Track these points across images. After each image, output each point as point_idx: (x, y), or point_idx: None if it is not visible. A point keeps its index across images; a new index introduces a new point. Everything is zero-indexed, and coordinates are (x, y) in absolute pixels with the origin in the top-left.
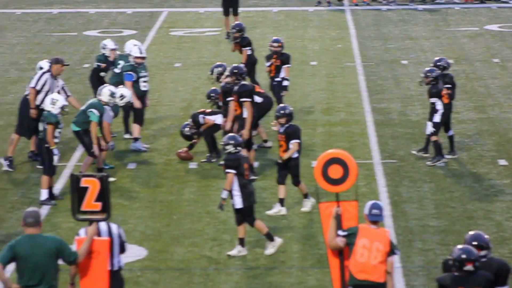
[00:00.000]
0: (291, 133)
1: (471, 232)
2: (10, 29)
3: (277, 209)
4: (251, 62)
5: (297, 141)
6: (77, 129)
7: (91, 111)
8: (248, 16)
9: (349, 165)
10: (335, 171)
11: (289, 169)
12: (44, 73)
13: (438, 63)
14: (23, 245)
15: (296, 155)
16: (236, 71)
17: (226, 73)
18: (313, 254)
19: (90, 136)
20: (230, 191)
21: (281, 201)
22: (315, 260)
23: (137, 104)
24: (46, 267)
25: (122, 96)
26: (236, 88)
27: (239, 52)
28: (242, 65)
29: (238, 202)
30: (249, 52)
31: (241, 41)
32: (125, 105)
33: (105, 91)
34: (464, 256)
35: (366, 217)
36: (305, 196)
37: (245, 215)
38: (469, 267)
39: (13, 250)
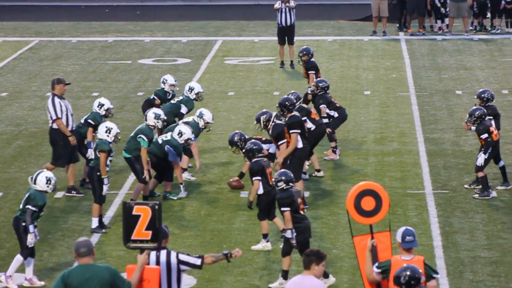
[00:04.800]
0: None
1: None
2: (66, 57)
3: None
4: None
5: (257, 178)
6: (128, 156)
7: (140, 136)
8: (303, 45)
9: (382, 196)
10: (368, 203)
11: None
12: (52, 99)
13: (482, 95)
14: (76, 276)
15: (261, 191)
16: (282, 103)
17: (273, 118)
18: (361, 285)
19: (141, 163)
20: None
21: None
22: None
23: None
24: None
25: (180, 133)
26: (286, 120)
27: (307, 77)
28: (290, 97)
29: (293, 237)
30: (314, 76)
31: (306, 65)
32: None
33: (150, 114)
34: None
35: (400, 245)
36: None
37: (301, 250)
38: None
39: (67, 280)
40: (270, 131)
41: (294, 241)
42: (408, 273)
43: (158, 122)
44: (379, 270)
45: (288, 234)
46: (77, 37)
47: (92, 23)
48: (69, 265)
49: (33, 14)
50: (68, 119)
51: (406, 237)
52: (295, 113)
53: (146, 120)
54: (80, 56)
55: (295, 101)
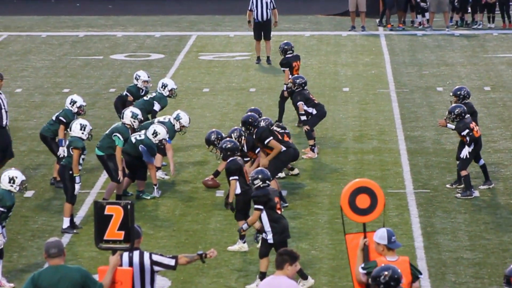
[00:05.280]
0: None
1: None
2: (35, 52)
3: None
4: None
5: (235, 178)
6: (101, 153)
7: (116, 135)
8: (280, 41)
9: (378, 195)
10: (363, 201)
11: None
12: None
13: (458, 93)
14: (46, 277)
15: (238, 191)
16: (246, 120)
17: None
18: (341, 286)
19: (115, 162)
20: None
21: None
22: None
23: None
24: None
25: (155, 133)
26: (254, 136)
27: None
28: (252, 113)
29: (270, 238)
30: (289, 73)
31: (281, 60)
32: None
33: (127, 113)
34: None
35: (385, 247)
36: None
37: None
38: None
39: (36, 282)
40: (245, 147)
41: (243, 233)
42: (387, 273)
43: (134, 122)
44: (365, 271)
45: (244, 226)
46: (47, 31)
47: (62, 17)
48: (39, 267)
49: (1, 8)
50: (1, 115)
51: (392, 238)
52: (235, 158)
53: (122, 118)
54: (50, 51)
55: (257, 116)
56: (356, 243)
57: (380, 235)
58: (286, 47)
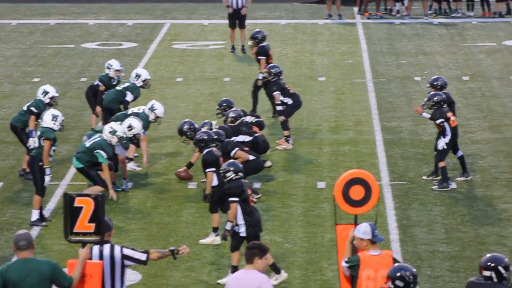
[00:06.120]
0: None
1: (488, 255)
2: (5, 41)
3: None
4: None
5: (212, 169)
6: (81, 166)
7: (98, 152)
8: (255, 29)
9: (372, 187)
10: (357, 192)
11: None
12: None
13: (434, 83)
14: (15, 270)
15: (215, 183)
16: (199, 139)
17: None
18: (315, 280)
19: (94, 169)
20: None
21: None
22: (318, 287)
23: None
24: None
25: (130, 127)
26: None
27: (257, 60)
28: (208, 131)
29: (243, 231)
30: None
31: (257, 50)
32: (133, 137)
33: (106, 128)
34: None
35: (369, 241)
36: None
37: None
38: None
39: (5, 276)
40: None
41: (228, 234)
42: (409, 273)
43: (113, 138)
44: (347, 265)
45: (228, 226)
46: (17, 19)
47: (33, 4)
48: (7, 260)
49: None
50: None
51: (375, 232)
52: (211, 149)
53: (104, 133)
54: (20, 40)
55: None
56: (346, 235)
57: (363, 230)
58: (262, 35)
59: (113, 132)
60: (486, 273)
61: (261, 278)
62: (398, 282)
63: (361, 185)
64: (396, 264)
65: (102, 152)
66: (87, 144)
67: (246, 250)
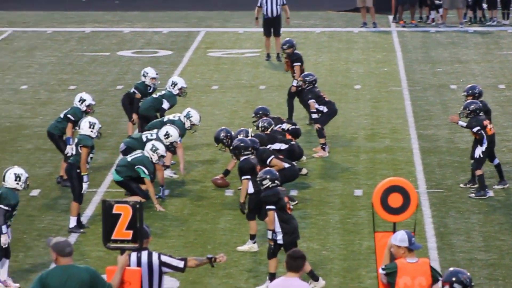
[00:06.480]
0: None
1: None
2: (41, 49)
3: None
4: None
5: (247, 177)
6: (121, 179)
7: (140, 168)
8: (290, 37)
9: (411, 195)
10: (395, 200)
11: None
12: None
13: (470, 91)
14: (55, 277)
15: (251, 190)
16: (235, 146)
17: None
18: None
19: (135, 181)
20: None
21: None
22: None
23: None
24: None
25: (167, 135)
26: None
27: (291, 70)
28: (244, 138)
29: (279, 238)
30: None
31: (291, 57)
32: (169, 144)
33: (148, 145)
34: None
35: (406, 249)
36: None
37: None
38: None
39: (44, 281)
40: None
41: (272, 243)
42: (465, 276)
43: (154, 155)
44: (384, 272)
45: (269, 235)
46: (52, 27)
47: (68, 13)
48: (45, 266)
49: (5, 3)
50: None
51: (412, 239)
52: (248, 156)
53: (147, 151)
54: (56, 48)
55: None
56: (384, 242)
57: (400, 238)
58: (294, 42)
59: (154, 150)
60: None
61: (303, 286)
62: (456, 286)
63: (399, 193)
64: (451, 269)
65: (144, 169)
66: (129, 159)
67: (290, 259)
